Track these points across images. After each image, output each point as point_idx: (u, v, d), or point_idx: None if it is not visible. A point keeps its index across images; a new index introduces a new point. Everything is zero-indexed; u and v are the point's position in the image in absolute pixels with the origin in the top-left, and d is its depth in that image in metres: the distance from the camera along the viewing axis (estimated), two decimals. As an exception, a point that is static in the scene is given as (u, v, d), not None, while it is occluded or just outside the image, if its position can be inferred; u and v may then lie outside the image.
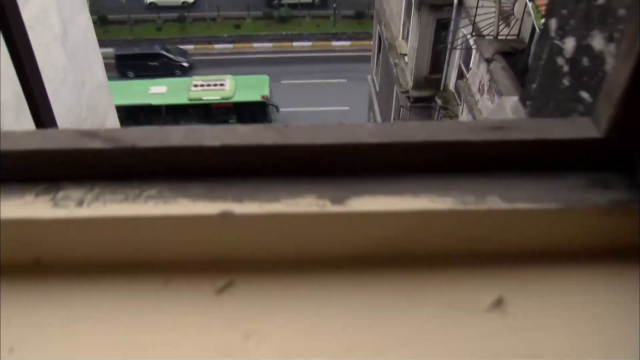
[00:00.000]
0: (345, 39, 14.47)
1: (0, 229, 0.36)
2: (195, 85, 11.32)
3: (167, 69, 12.73)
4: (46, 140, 0.38)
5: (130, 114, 9.94)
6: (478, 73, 4.65)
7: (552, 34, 0.82)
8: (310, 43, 14.41)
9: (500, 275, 0.38)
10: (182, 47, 13.66)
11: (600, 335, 0.35)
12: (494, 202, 0.37)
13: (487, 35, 4.72)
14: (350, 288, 0.38)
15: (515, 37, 4.61)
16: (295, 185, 0.37)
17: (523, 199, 0.37)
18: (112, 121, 3.41)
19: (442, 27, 8.10)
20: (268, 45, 14.38)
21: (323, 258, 0.38)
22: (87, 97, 2.97)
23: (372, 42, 11.03)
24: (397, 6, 10.15)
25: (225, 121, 10.88)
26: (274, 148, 0.37)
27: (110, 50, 11.98)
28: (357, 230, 0.37)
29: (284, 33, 14.67)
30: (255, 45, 14.37)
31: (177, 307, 0.37)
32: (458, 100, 6.17)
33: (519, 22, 4.58)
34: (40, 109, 1.20)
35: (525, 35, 4.48)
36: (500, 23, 4.69)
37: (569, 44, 0.79)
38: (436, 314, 0.36)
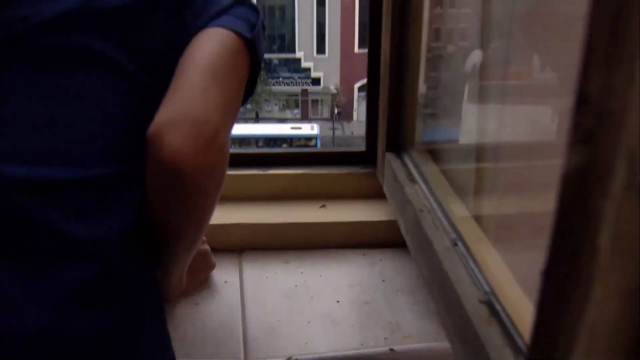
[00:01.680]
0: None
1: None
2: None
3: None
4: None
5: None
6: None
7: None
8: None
9: (324, 199, 1.05)
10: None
11: (361, 212, 1.01)
12: (323, 171, 1.06)
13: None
14: (268, 205, 1.04)
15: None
16: (249, 167, 1.07)
17: (335, 169, 1.06)
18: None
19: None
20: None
21: (260, 193, 1.06)
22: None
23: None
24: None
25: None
26: (242, 154, 1.08)
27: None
28: (272, 182, 1.06)
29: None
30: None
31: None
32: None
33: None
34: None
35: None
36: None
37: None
38: (306, 208, 1.03)
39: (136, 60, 0.63)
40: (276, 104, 25.43)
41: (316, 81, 24.83)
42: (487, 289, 0.60)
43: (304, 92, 25.10)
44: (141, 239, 0.61)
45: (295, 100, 25.43)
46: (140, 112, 0.61)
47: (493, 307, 0.58)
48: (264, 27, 0.70)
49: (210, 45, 0.62)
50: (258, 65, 0.67)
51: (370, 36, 0.99)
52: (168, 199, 0.60)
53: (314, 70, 24.93)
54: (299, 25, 24.84)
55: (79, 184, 0.57)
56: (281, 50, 25.63)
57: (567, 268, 0.34)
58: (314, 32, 24.59)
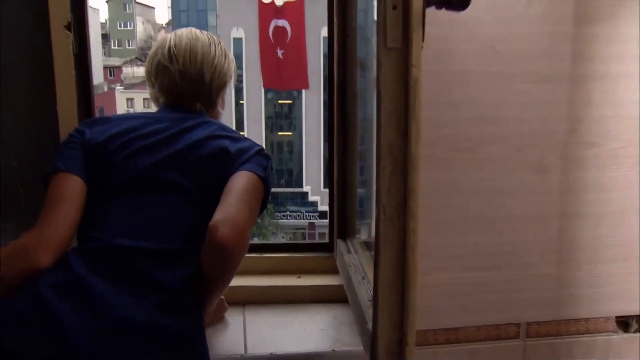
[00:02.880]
0: None
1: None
2: None
3: None
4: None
5: None
6: None
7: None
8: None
9: (300, 273, 1.65)
10: None
11: (323, 280, 1.61)
12: (299, 254, 1.67)
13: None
14: (263, 276, 1.64)
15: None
16: (251, 252, 1.68)
17: (307, 254, 1.67)
18: None
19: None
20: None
21: (258, 268, 1.65)
22: None
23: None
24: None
25: None
26: (247, 244, 1.70)
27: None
28: (266, 261, 1.66)
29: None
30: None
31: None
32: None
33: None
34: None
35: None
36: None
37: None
38: (288, 277, 1.62)
39: (198, 188, 1.23)
40: (283, 237, 26.08)
41: (323, 215, 25.69)
42: (371, 295, 1.19)
43: (311, 226, 25.89)
44: (197, 287, 1.19)
45: (303, 233, 26.17)
46: (197, 216, 1.20)
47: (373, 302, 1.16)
48: (272, 168, 1.32)
49: (241, 181, 1.21)
50: (268, 191, 1.28)
51: (329, 172, 1.65)
52: (214, 262, 1.15)
53: (321, 204, 25.90)
54: (306, 160, 26.30)
55: (166, 252, 1.17)
56: (289, 184, 26.89)
57: (376, 254, 0.95)
58: (321, 167, 25.94)
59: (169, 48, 1.35)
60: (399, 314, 0.96)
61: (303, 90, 26.07)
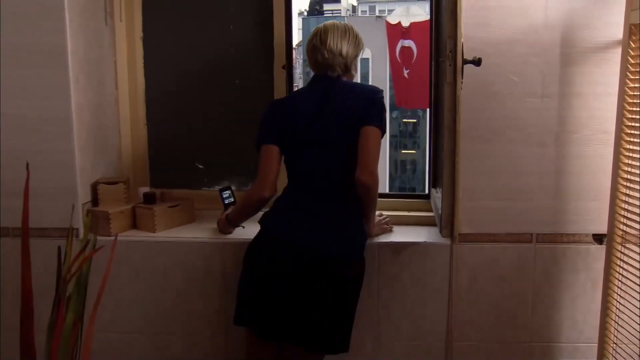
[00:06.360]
0: None
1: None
2: None
3: None
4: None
5: None
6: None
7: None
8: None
9: (412, 210, 2.91)
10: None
11: (424, 213, 2.86)
12: (411, 200, 2.93)
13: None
14: (395, 211, 2.92)
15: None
16: (381, 198, 2.96)
17: (416, 200, 2.93)
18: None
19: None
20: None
21: (388, 206, 2.94)
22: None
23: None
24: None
25: None
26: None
27: None
28: (392, 203, 2.94)
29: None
30: None
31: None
32: None
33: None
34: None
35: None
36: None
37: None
38: (406, 212, 2.89)
39: (345, 143, 2.55)
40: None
41: (446, 234, 26.21)
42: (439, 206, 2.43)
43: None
44: (358, 206, 2.48)
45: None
46: (348, 161, 2.50)
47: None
48: (384, 108, 2.58)
49: (371, 132, 2.41)
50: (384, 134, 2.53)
51: (430, 142, 2.90)
52: (364, 194, 2.42)
53: (445, 223, 26.41)
54: (430, 179, 27.03)
55: (335, 189, 2.48)
56: (412, 203, 27.73)
57: (443, 174, 2.22)
58: (445, 186, 26.49)
59: (319, 35, 2.35)
60: (452, 200, 2.22)
61: (428, 110, 27.02)
